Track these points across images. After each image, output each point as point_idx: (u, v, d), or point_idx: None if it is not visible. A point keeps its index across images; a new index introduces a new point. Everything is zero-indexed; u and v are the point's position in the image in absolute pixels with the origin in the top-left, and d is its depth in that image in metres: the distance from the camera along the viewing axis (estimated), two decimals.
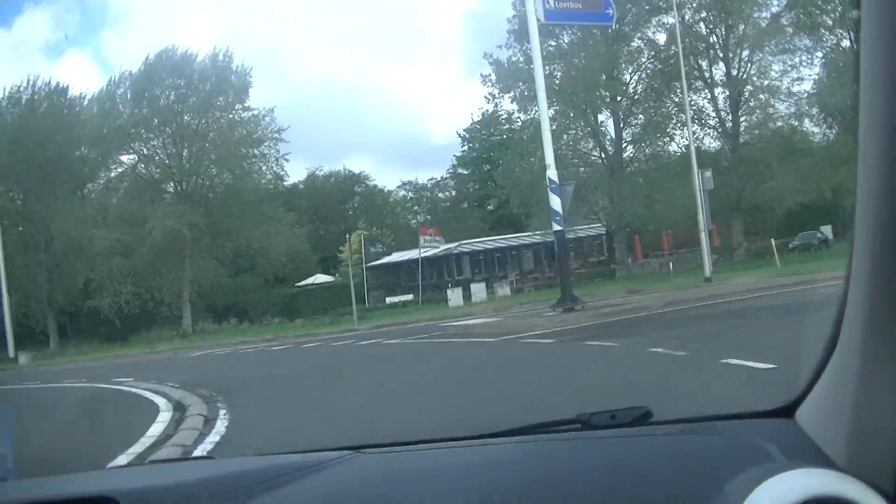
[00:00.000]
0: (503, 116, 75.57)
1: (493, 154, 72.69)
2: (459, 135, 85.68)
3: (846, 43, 51.44)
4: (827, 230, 56.10)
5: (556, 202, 22.84)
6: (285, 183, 69.95)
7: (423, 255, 62.50)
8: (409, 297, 58.56)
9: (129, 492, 2.13)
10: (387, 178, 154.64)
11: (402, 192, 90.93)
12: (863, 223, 1.25)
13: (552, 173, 22.85)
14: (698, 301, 23.23)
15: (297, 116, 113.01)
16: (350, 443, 2.44)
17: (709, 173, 35.16)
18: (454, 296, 47.78)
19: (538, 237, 58.88)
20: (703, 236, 33.51)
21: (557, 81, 53.53)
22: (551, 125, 52.85)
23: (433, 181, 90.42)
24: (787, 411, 1.90)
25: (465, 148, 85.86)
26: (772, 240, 43.01)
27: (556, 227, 22.99)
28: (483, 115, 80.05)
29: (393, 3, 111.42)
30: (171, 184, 57.23)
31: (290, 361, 23.96)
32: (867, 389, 1.35)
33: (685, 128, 51.03)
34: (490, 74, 55.82)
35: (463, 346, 20.45)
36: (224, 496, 2.07)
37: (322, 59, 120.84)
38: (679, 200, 48.69)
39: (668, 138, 55.29)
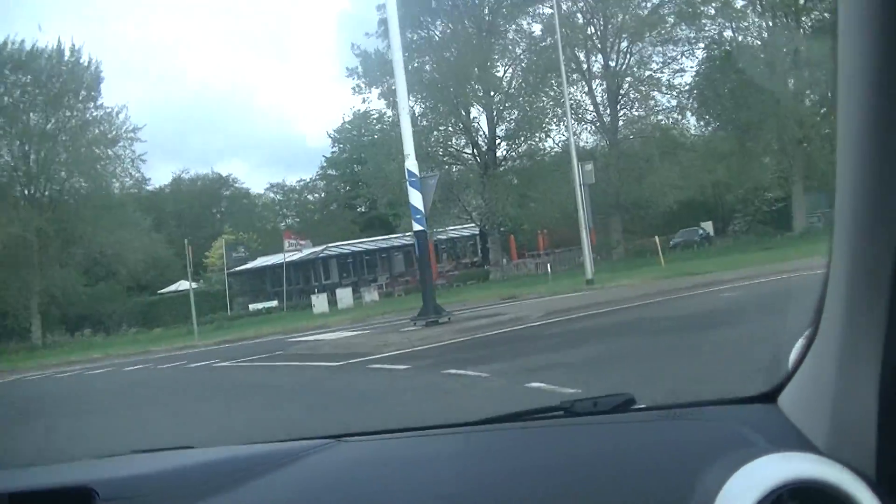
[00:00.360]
0: (374, 115, 73.51)
1: (363, 154, 69.72)
2: (330, 135, 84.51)
3: (728, 33, 50.45)
4: (708, 226, 57.10)
5: (416, 198, 19.17)
6: (148, 187, 67.37)
7: (287, 259, 61.12)
8: (274, 303, 57.01)
9: (106, 482, 2.10)
10: (260, 182, 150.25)
11: (271, 195, 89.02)
12: (842, 211, 1.23)
13: (411, 164, 19.21)
14: (583, 309, 19.97)
15: (170, 118, 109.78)
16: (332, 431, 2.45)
17: (590, 166, 32.31)
18: (319, 302, 45.86)
19: (409, 238, 56.11)
20: (584, 235, 30.41)
21: (427, 75, 51.43)
22: (421, 121, 51.82)
23: (302, 183, 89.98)
24: (770, 397, 1.88)
25: (336, 149, 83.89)
26: (655, 238, 41.05)
27: (417, 227, 19.27)
28: (355, 114, 78.51)
29: (267, 5, 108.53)
30: (18, 187, 53.20)
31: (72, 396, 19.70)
32: (848, 375, 1.36)
33: (561, 123, 49.99)
34: (357, 67, 52.90)
35: (296, 372, 16.98)
36: (204, 485, 2.03)
37: (196, 61, 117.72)
38: (556, 198, 48.11)
39: (543, 134, 53.47)
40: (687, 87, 52.21)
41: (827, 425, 1.46)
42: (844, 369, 1.37)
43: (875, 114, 1.10)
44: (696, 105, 52.21)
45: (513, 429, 2.27)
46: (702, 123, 54.22)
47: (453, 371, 12.59)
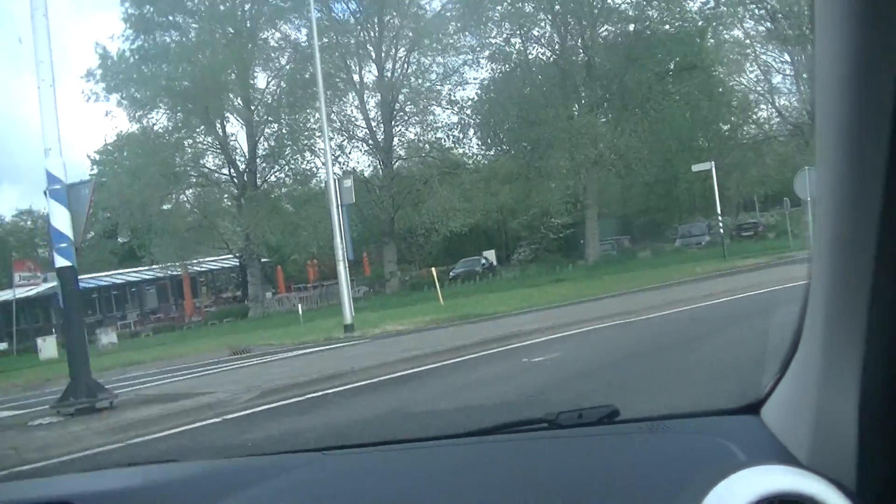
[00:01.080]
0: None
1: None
2: (90, 158, 74.13)
3: (517, 42, 45.96)
4: (491, 255, 52.98)
5: (60, 216, 12.22)
6: None
7: (25, 293, 52.83)
8: (4, 345, 50.04)
9: (86, 496, 2.13)
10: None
11: (21, 223, 78.21)
12: (821, 224, 1.23)
13: (54, 164, 12.27)
14: (321, 384, 12.93)
15: None
16: (315, 445, 2.53)
17: (349, 182, 25.94)
18: (46, 346, 38.29)
19: (162, 270, 51.17)
20: (342, 267, 23.93)
21: (178, 83, 44.48)
22: (168, 136, 45.05)
23: None
24: (753, 409, 1.89)
25: (95, 171, 74.33)
26: (432, 269, 36.32)
27: (61, 262, 12.33)
28: (118, 135, 69.31)
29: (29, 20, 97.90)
30: None
31: None
32: (828, 387, 1.35)
33: (332, 140, 43.74)
34: (96, 69, 44.76)
35: None
36: (187, 499, 2.08)
37: None
38: (324, 224, 41.13)
39: (309, 153, 47.41)
40: (470, 102, 48.04)
41: (809, 438, 1.45)
42: (826, 382, 1.36)
43: (852, 122, 1.08)
44: (479, 122, 47.97)
45: (497, 441, 2.23)
46: (486, 142, 50.12)
47: None
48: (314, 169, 47.71)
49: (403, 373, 13.24)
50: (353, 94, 47.31)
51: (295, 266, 57.34)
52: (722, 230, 36.40)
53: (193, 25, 46.51)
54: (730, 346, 10.48)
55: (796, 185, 23.84)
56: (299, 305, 30.16)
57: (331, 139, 45.24)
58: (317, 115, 44.96)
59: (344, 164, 46.75)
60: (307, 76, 43.32)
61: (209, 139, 47.09)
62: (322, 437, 3.49)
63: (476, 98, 48.06)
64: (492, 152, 51.02)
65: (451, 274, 47.43)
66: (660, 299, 18.96)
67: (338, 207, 23.90)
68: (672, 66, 45.00)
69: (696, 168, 35.67)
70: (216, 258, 54.60)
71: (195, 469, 2.47)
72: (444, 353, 14.50)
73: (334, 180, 24.86)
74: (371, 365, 13.92)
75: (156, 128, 45.91)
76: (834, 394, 1.31)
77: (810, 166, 24.05)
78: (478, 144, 49.93)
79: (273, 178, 48.78)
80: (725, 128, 50.63)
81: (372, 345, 19.09)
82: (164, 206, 46.28)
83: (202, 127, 46.25)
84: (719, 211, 34.70)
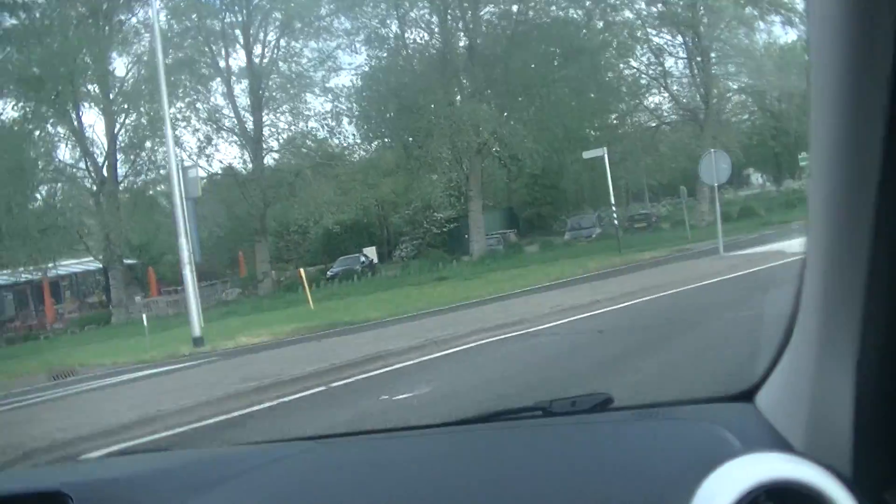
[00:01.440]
0: None
1: None
2: None
3: (394, 24, 43.24)
4: (371, 252, 50.95)
5: None
6: None
7: None
8: None
9: (80, 485, 2.10)
10: None
11: None
12: (816, 211, 1.24)
13: None
14: (132, 429, 9.99)
15: None
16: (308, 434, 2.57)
17: (194, 173, 22.81)
18: None
19: (14, 276, 45.27)
20: (188, 271, 20.64)
21: (26, 68, 40.05)
22: (17, 126, 41.07)
23: None
24: (747, 396, 1.91)
25: None
26: (300, 270, 33.40)
27: None
28: None
29: None
30: None
31: None
32: (823, 374, 1.36)
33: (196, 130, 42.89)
34: None
35: None
36: (179, 488, 2.05)
37: None
38: (200, 222, 38.19)
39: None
40: (346, 90, 45.00)
41: (803, 425, 1.46)
42: (821, 369, 1.36)
43: (847, 110, 1.08)
44: (357, 110, 44.94)
45: (491, 428, 2.25)
46: (365, 132, 47.16)
47: None
48: (181, 161, 43.97)
49: (219, 418, 10.09)
50: (220, 80, 43.83)
51: (170, 266, 53.00)
52: (616, 221, 33.87)
53: (41, 2, 42.10)
54: (671, 374, 8.31)
55: (701, 170, 21.43)
56: (144, 315, 26.33)
57: (196, 130, 42.80)
58: (179, 104, 41.97)
59: (210, 156, 43.84)
60: (169, 62, 39.77)
61: (62, 130, 42.99)
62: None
63: (352, 85, 45.25)
64: (371, 144, 48.58)
65: (328, 273, 44.76)
66: (552, 302, 16.12)
67: (181, 201, 20.63)
68: (558, 50, 42.73)
69: (587, 155, 32.92)
70: (80, 260, 50.33)
71: (187, 458, 2.56)
72: (288, 385, 11.36)
73: (178, 171, 21.48)
74: (187, 405, 10.71)
75: (2, 117, 42.08)
76: (830, 380, 1.31)
77: (716, 149, 21.91)
78: (355, 135, 47.14)
79: (137, 171, 44.88)
80: (613, 116, 48.85)
81: (212, 367, 15.84)
82: (13, 205, 42.06)
83: (53, 117, 42.10)
84: (612, 201, 31.98)
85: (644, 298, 15.34)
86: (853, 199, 1.10)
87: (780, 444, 1.52)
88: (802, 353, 1.44)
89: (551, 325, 13.75)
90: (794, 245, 23.30)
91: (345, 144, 47.04)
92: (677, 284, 16.39)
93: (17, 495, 2.13)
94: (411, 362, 12.06)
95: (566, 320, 13.98)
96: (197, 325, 20.42)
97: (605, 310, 14.66)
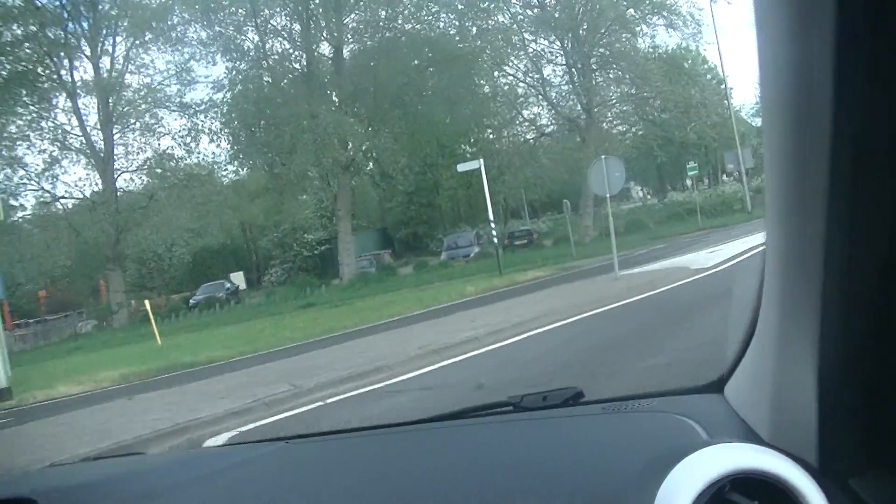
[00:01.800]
0: None
1: None
2: None
3: (252, 33, 40.04)
4: (238, 278, 48.99)
5: None
6: None
7: None
8: None
9: (49, 491, 2.08)
10: None
11: None
12: (773, 204, 1.23)
13: None
14: None
15: None
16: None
17: None
18: None
19: None
20: None
21: None
22: None
23: None
24: (717, 387, 1.92)
25: None
26: (146, 301, 30.74)
27: None
28: None
29: None
30: None
31: None
32: (786, 365, 1.37)
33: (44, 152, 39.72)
34: None
35: None
36: (152, 491, 2.03)
37: None
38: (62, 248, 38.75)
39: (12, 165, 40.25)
40: (203, 105, 41.52)
41: (769, 415, 1.48)
42: (783, 360, 1.38)
43: (798, 103, 1.07)
44: (217, 127, 41.66)
45: (462, 425, 2.26)
46: (228, 150, 43.54)
47: None
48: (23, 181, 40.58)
49: None
50: (65, 95, 40.25)
51: (25, 296, 49.12)
52: (496, 239, 30.99)
53: None
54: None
55: (591, 180, 18.74)
56: None
57: (43, 150, 39.70)
58: (18, 120, 38.48)
59: (55, 178, 40.56)
60: (4, 74, 36.41)
61: None
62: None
63: (209, 100, 41.67)
64: (237, 163, 44.80)
65: (190, 301, 42.42)
66: (422, 340, 13.27)
67: None
68: (431, 58, 40.52)
69: (462, 168, 30.02)
70: None
71: (160, 461, 2.62)
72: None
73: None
74: None
75: None
76: (792, 371, 1.33)
77: (607, 155, 19.49)
78: (215, 153, 44.60)
79: None
80: (489, 130, 47.25)
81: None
82: None
83: None
84: (491, 217, 29.38)
85: (534, 332, 12.69)
86: (808, 191, 1.09)
87: (748, 434, 1.54)
88: (766, 344, 1.44)
89: (418, 373, 10.83)
90: (699, 259, 21.69)
91: (205, 164, 43.72)
92: (571, 311, 13.88)
93: None
94: (235, 430, 9.13)
95: (437, 366, 11.10)
96: (2, 374, 17.17)
97: (487, 349, 11.88)
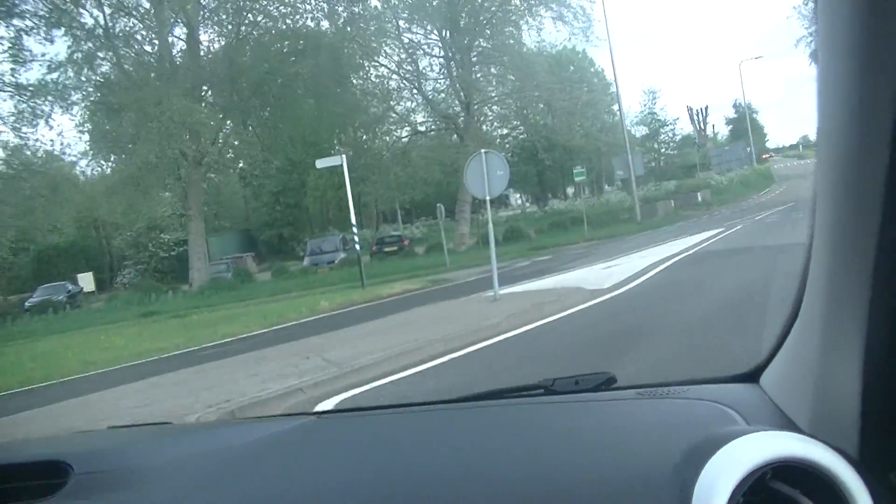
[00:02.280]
0: None
1: None
2: None
3: (100, 13, 35.88)
4: (86, 279, 46.07)
5: None
6: None
7: None
8: None
9: (82, 455, 2.06)
10: None
11: None
12: (823, 194, 1.25)
13: None
14: None
15: None
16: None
17: None
18: None
19: None
20: None
21: None
22: None
23: None
24: (752, 377, 1.91)
25: None
26: None
27: None
28: None
29: None
30: None
31: None
32: (829, 355, 1.38)
33: None
34: None
35: None
36: (180, 461, 2.03)
37: None
38: None
39: None
40: (42, 84, 36.31)
41: (809, 405, 1.48)
42: (827, 350, 1.38)
43: (852, 111, 1.10)
44: (55, 110, 36.53)
45: (493, 406, 2.23)
46: (91, 140, 39.25)
47: None
48: None
49: None
50: None
51: None
52: (359, 247, 27.18)
53: None
54: None
55: (468, 179, 15.53)
56: None
57: None
58: None
59: None
60: None
61: None
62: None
63: (50, 81, 36.70)
64: (75, 152, 41.76)
65: (26, 304, 39.07)
66: (220, 392, 9.46)
67: None
68: (295, 44, 37.46)
69: (321, 164, 26.25)
70: None
71: (189, 431, 2.56)
72: None
73: None
74: None
75: None
76: (835, 361, 1.33)
77: (487, 150, 16.36)
78: (62, 139, 40.92)
79: None
80: (357, 123, 44.24)
81: None
82: None
83: None
84: (353, 220, 25.76)
85: (378, 383, 9.31)
86: (859, 183, 1.10)
87: (786, 424, 1.54)
88: (808, 335, 1.45)
89: None
90: (594, 276, 18.72)
91: (53, 154, 39.30)
92: (433, 349, 10.49)
93: (18, 465, 2.08)
94: None
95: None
96: None
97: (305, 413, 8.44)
